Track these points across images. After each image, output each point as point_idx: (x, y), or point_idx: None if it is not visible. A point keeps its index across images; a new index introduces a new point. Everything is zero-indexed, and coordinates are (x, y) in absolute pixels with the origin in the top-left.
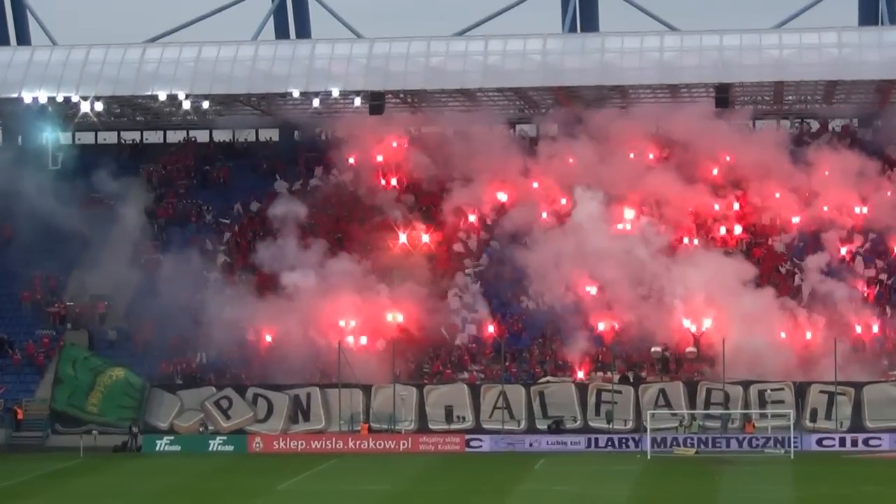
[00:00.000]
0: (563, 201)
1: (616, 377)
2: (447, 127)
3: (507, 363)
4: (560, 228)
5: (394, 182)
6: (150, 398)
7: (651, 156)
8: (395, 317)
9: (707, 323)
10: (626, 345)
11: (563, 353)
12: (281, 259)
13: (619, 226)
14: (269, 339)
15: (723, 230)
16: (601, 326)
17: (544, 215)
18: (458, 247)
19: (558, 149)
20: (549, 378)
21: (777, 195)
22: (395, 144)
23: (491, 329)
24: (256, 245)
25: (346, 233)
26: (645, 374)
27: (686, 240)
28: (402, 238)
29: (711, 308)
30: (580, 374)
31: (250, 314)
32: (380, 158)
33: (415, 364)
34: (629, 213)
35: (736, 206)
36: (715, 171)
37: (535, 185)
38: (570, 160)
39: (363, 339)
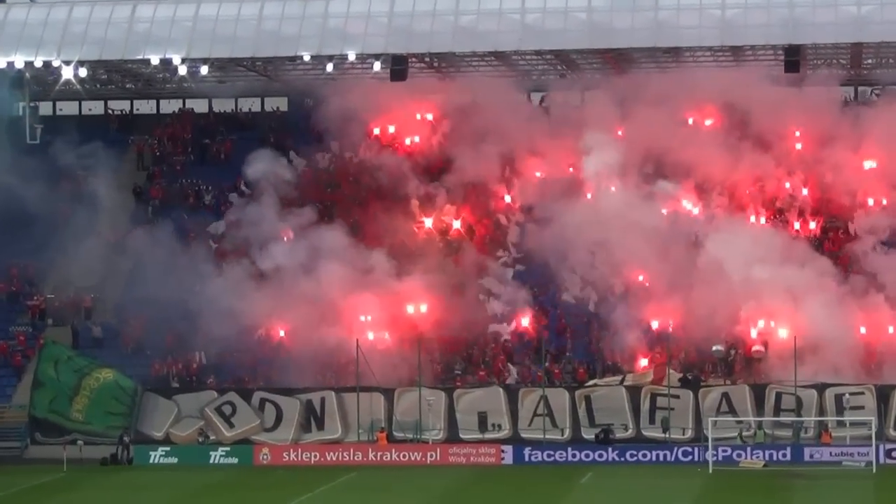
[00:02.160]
0: (612, 188)
1: (672, 379)
2: (479, 95)
3: (548, 363)
4: (607, 210)
5: (418, 159)
6: (143, 404)
7: (709, 125)
8: (419, 310)
9: (777, 317)
10: (683, 342)
11: (613, 352)
12: (288, 246)
13: (674, 206)
14: (282, 333)
15: (792, 212)
16: (654, 322)
17: (589, 196)
18: (490, 231)
19: (605, 120)
20: (596, 381)
21: (855, 173)
22: (419, 116)
23: (527, 323)
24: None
25: (365, 216)
26: (705, 377)
27: (752, 220)
28: (428, 222)
29: (782, 300)
30: (642, 366)
31: (257, 308)
32: (402, 132)
33: (443, 365)
34: (686, 193)
35: (805, 191)
36: (785, 146)
37: (582, 160)
38: (619, 132)
39: (385, 336)
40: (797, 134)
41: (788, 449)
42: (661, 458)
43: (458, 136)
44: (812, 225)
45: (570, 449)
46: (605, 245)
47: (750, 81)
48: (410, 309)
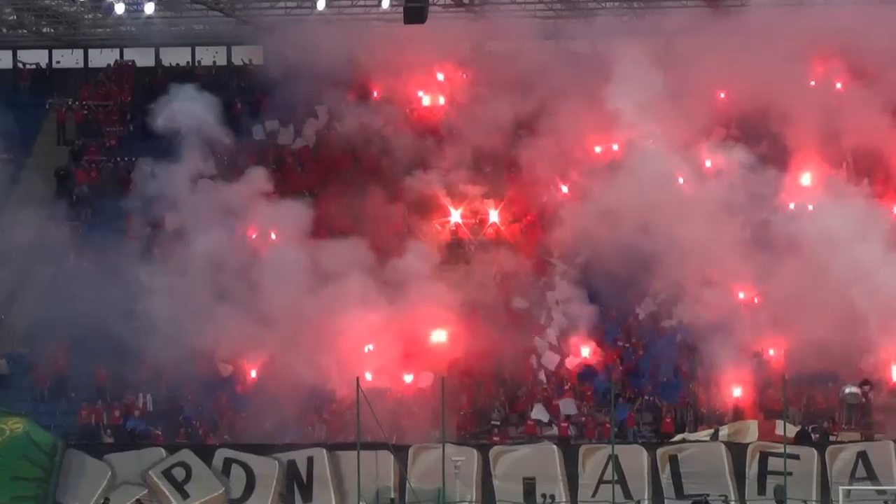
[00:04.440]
0: (707, 162)
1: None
2: (524, 46)
3: (632, 412)
4: (701, 201)
5: (440, 130)
6: (66, 465)
7: (840, 85)
8: (442, 338)
9: None
10: (802, 381)
11: (711, 395)
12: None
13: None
14: (253, 374)
15: None
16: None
17: (681, 181)
18: (540, 230)
19: (696, 75)
20: (685, 435)
21: None
22: (440, 77)
23: (590, 354)
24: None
25: (368, 210)
26: (833, 430)
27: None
28: (455, 216)
29: None
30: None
31: (220, 332)
32: (422, 95)
33: (474, 412)
34: (807, 176)
35: None
36: None
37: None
38: (720, 94)
39: (401, 375)
40: None
41: None
42: None
43: (497, 101)
44: None
45: None
46: (700, 250)
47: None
48: (432, 336)
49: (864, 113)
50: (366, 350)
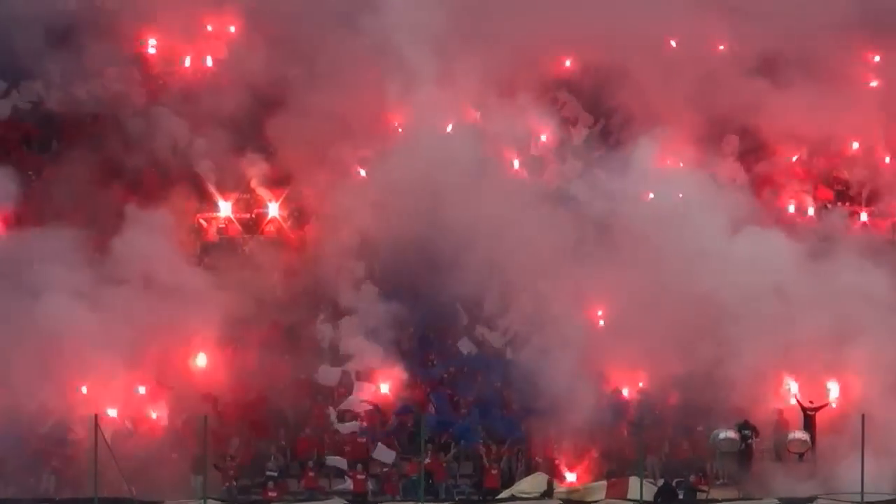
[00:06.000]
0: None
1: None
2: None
3: (429, 458)
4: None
5: (207, 97)
6: None
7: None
8: (204, 365)
9: (834, 386)
10: (664, 426)
11: (548, 442)
12: None
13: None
14: None
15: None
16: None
17: (514, 165)
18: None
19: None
20: (514, 491)
21: None
22: (210, 27)
23: (390, 390)
24: None
25: (112, 200)
26: (702, 485)
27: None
28: (225, 208)
29: (841, 353)
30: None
31: None
32: (181, 51)
33: (245, 461)
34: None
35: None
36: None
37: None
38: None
39: (149, 411)
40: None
41: None
42: None
43: (278, 65)
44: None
45: None
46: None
47: None
48: (191, 361)
49: (737, 80)
50: (106, 379)
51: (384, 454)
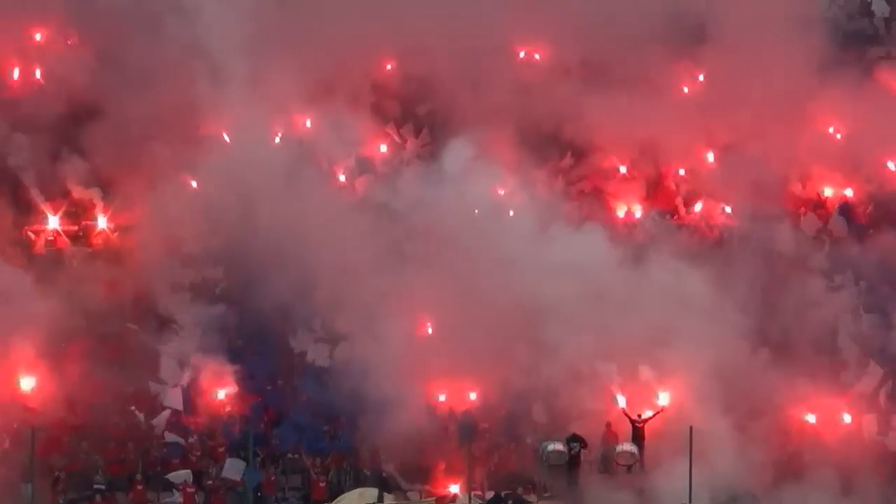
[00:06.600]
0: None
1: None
2: None
3: (273, 474)
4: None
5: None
6: None
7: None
8: (28, 385)
9: (663, 395)
10: (493, 436)
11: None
12: None
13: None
14: None
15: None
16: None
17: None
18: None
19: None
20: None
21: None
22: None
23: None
24: None
25: None
26: (530, 495)
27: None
28: (52, 221)
29: (670, 361)
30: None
31: None
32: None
33: (71, 477)
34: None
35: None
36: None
37: None
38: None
39: None
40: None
41: None
42: None
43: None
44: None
45: None
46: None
47: None
48: (18, 379)
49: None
50: None
51: (234, 467)
